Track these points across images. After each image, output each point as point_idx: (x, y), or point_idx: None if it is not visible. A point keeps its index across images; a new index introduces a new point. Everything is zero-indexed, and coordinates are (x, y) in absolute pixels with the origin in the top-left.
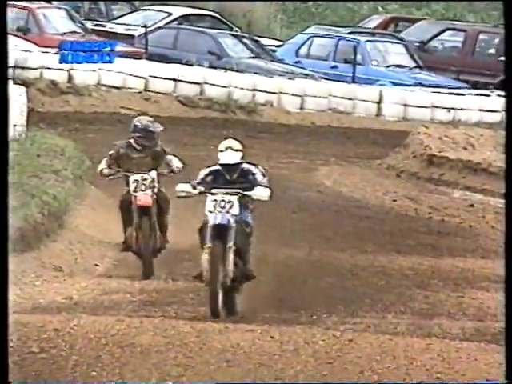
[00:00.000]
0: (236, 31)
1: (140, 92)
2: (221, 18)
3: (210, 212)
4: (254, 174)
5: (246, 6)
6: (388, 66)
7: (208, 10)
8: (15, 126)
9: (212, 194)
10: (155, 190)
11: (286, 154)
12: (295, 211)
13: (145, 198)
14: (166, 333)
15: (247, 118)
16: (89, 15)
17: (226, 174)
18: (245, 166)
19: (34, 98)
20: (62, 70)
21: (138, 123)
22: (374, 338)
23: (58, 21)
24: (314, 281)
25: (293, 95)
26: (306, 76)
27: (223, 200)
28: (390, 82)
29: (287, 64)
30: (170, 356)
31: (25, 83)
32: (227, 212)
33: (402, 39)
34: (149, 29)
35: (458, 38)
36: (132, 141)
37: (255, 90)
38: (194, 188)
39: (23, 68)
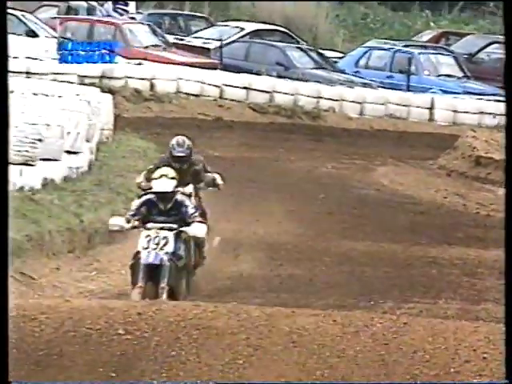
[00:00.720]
0: (302, 44)
1: (215, 99)
2: (288, 33)
3: (144, 248)
4: (186, 207)
5: (311, 22)
6: (439, 76)
7: (277, 25)
8: (103, 129)
9: (146, 228)
10: None
11: (347, 155)
12: (355, 207)
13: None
14: (239, 316)
15: (312, 123)
16: (169, 30)
17: (159, 203)
18: (179, 196)
19: (119, 105)
20: (145, 79)
21: (172, 150)
22: (427, 322)
23: (142, 35)
24: (372, 270)
25: (353, 102)
26: (364, 85)
27: (157, 236)
28: (441, 90)
29: (348, 74)
30: (242, 337)
31: (111, 91)
32: (161, 249)
33: (451, 52)
34: (223, 42)
35: (503, 50)
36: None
37: (319, 97)
38: (128, 222)
39: (110, 78)
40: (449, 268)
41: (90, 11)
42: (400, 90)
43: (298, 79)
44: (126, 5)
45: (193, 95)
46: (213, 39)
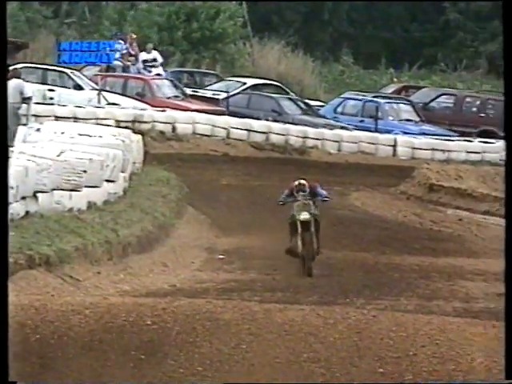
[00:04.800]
0: (292, 95)
1: (223, 139)
2: (281, 86)
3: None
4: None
5: (299, 78)
6: (400, 120)
7: (272, 80)
8: (135, 163)
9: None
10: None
11: (328, 183)
12: (334, 224)
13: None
14: (242, 311)
15: (300, 157)
16: (187, 84)
17: None
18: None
19: (148, 144)
20: (168, 123)
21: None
22: (391, 315)
23: (165, 88)
24: (347, 273)
25: (332, 141)
26: (341, 127)
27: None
28: (402, 131)
29: (328, 119)
30: (245, 327)
31: (141, 132)
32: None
33: (410, 101)
34: (229, 94)
35: (450, 100)
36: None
37: (305, 137)
38: None
39: (140, 122)
40: (408, 272)
41: (125, 69)
42: (369, 131)
43: (288, 123)
44: (155, 61)
45: (205, 135)
46: (221, 91)
